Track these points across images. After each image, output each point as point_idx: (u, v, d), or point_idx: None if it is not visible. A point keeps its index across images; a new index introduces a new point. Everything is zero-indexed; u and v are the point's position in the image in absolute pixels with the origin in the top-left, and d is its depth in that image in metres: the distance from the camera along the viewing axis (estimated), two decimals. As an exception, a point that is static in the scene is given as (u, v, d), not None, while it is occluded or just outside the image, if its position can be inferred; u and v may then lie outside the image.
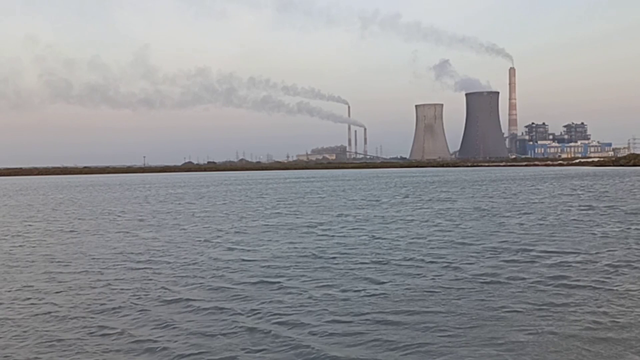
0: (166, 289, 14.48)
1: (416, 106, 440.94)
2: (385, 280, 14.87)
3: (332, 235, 24.19)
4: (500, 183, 75.32)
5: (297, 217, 32.72)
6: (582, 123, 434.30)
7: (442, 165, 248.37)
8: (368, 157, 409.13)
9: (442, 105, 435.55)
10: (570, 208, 35.25)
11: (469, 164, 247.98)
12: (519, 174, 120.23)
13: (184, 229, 28.04)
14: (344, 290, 13.81)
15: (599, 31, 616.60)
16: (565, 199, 43.62)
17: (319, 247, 20.80)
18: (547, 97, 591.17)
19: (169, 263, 18.34)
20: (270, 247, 21.11)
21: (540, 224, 26.81)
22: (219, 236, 24.90)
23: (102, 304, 13.02)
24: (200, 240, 23.57)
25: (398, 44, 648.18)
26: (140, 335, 10.65)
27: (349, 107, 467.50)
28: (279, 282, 14.89)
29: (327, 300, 12.91)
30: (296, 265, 17.36)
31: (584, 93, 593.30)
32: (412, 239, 22.77)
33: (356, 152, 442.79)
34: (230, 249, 21.09)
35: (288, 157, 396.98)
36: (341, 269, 16.63)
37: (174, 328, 11.02)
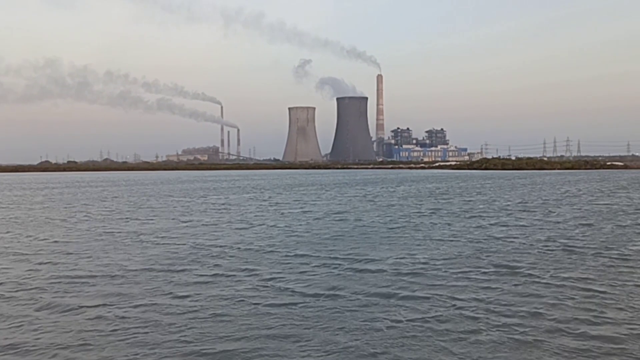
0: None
1: (289, 108, 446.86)
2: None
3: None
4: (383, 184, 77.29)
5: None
6: (442, 129, 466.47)
7: (314, 167, 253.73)
8: (241, 158, 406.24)
9: (314, 108, 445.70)
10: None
11: (339, 166, 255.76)
12: (389, 175, 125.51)
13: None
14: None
15: (457, 42, 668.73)
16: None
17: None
18: (411, 103, 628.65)
19: None
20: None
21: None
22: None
23: None
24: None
25: (262, 44, 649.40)
26: None
27: (222, 107, 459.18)
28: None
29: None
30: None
31: (444, 101, 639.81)
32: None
33: (229, 153, 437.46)
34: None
35: (157, 157, 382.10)
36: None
37: None
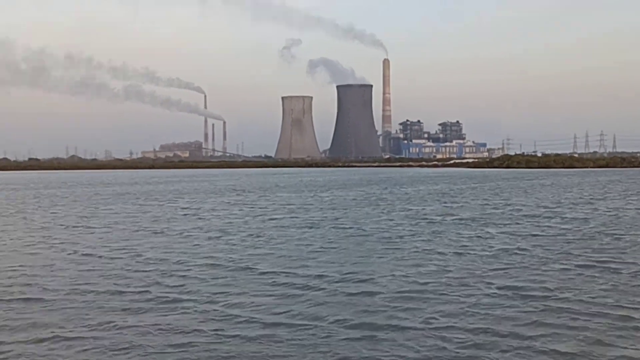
0: None
1: (282, 98, 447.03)
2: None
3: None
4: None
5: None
6: (458, 121, 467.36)
7: (311, 165, 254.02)
8: (228, 155, 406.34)
9: (311, 98, 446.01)
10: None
11: (340, 164, 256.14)
12: (396, 175, 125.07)
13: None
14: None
15: (476, 23, 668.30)
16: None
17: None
18: (423, 92, 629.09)
19: None
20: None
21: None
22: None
23: None
24: None
25: (244, 24, 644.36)
26: None
27: (205, 96, 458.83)
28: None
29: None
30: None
31: (460, 89, 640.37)
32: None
33: (214, 150, 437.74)
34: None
35: (132, 154, 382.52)
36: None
37: None
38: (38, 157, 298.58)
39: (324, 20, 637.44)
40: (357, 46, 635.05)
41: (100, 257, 21.98)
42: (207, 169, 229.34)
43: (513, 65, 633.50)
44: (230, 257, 21.41)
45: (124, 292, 16.10)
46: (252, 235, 27.89)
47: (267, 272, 18.50)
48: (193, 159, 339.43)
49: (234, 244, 24.92)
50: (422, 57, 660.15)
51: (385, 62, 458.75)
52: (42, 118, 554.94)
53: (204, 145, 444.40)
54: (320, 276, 17.83)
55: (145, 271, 18.99)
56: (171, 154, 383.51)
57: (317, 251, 22.82)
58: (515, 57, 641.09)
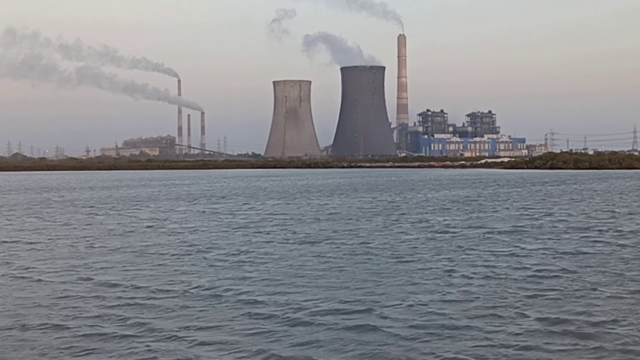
0: None
1: (274, 83, 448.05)
2: None
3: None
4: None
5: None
6: (490, 112, 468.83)
7: (310, 166, 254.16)
8: (207, 152, 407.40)
9: (309, 82, 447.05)
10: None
11: (345, 164, 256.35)
12: (413, 177, 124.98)
13: None
14: None
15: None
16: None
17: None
18: (447, 76, 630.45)
19: None
20: None
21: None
22: None
23: None
24: None
25: None
26: None
27: (179, 81, 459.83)
28: None
29: None
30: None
31: (493, 73, 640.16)
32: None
33: (189, 146, 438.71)
34: None
35: (89, 151, 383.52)
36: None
37: None
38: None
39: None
40: (365, 19, 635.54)
41: (38, 280, 21.94)
42: (181, 170, 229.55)
43: (557, 43, 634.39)
44: (200, 281, 21.31)
45: (64, 325, 15.96)
46: (229, 253, 27.82)
47: (244, 301, 18.35)
48: (164, 157, 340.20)
49: (206, 265, 24.81)
50: (446, 32, 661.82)
51: (401, 39, 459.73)
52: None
53: (177, 141, 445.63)
54: (311, 305, 17.65)
55: (93, 298, 18.86)
56: (137, 152, 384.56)
57: (308, 273, 22.69)
58: (561, 33, 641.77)
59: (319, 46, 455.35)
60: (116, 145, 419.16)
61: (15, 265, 25.15)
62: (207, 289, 20.05)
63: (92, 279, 21.92)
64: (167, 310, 17.38)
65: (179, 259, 26.43)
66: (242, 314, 16.83)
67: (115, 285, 20.88)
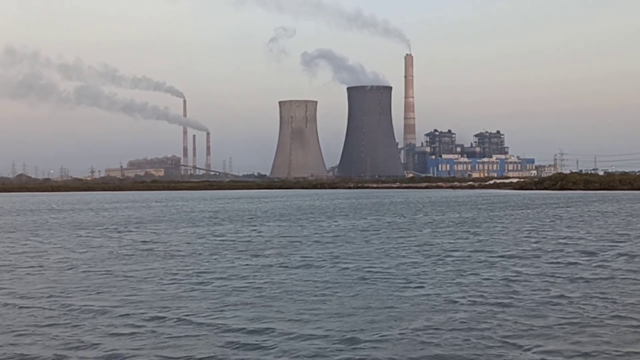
0: None
1: (280, 103, 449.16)
2: None
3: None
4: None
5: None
6: (498, 132, 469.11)
7: (315, 186, 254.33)
8: (212, 173, 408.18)
9: (315, 102, 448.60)
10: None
11: (352, 185, 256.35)
12: (421, 198, 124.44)
13: None
14: None
15: (520, 9, 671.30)
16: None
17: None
18: (454, 95, 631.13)
19: None
20: None
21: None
22: None
23: None
24: None
25: (227, 11, 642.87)
26: None
27: (184, 101, 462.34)
28: None
29: None
30: None
31: (501, 92, 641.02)
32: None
33: (194, 167, 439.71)
34: None
35: (93, 172, 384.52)
36: None
37: None
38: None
39: (324, 5, 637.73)
40: (369, 38, 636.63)
41: (22, 307, 21.37)
42: (186, 190, 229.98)
43: (566, 62, 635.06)
44: (195, 307, 20.59)
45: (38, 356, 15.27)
46: (221, 278, 27.24)
47: (224, 329, 17.61)
48: (169, 178, 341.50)
49: (200, 291, 24.10)
50: (454, 52, 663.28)
51: (408, 59, 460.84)
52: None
53: (182, 162, 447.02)
54: (299, 336, 16.92)
55: (82, 328, 18.19)
56: (142, 173, 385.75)
57: (301, 299, 22.20)
58: (570, 52, 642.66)
59: (320, 64, 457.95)
60: (121, 166, 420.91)
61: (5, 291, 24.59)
62: (201, 316, 19.36)
63: (73, 305, 21.32)
64: (151, 334, 16.64)
65: (170, 282, 25.89)
66: (218, 343, 16.06)
67: (100, 312, 20.22)
